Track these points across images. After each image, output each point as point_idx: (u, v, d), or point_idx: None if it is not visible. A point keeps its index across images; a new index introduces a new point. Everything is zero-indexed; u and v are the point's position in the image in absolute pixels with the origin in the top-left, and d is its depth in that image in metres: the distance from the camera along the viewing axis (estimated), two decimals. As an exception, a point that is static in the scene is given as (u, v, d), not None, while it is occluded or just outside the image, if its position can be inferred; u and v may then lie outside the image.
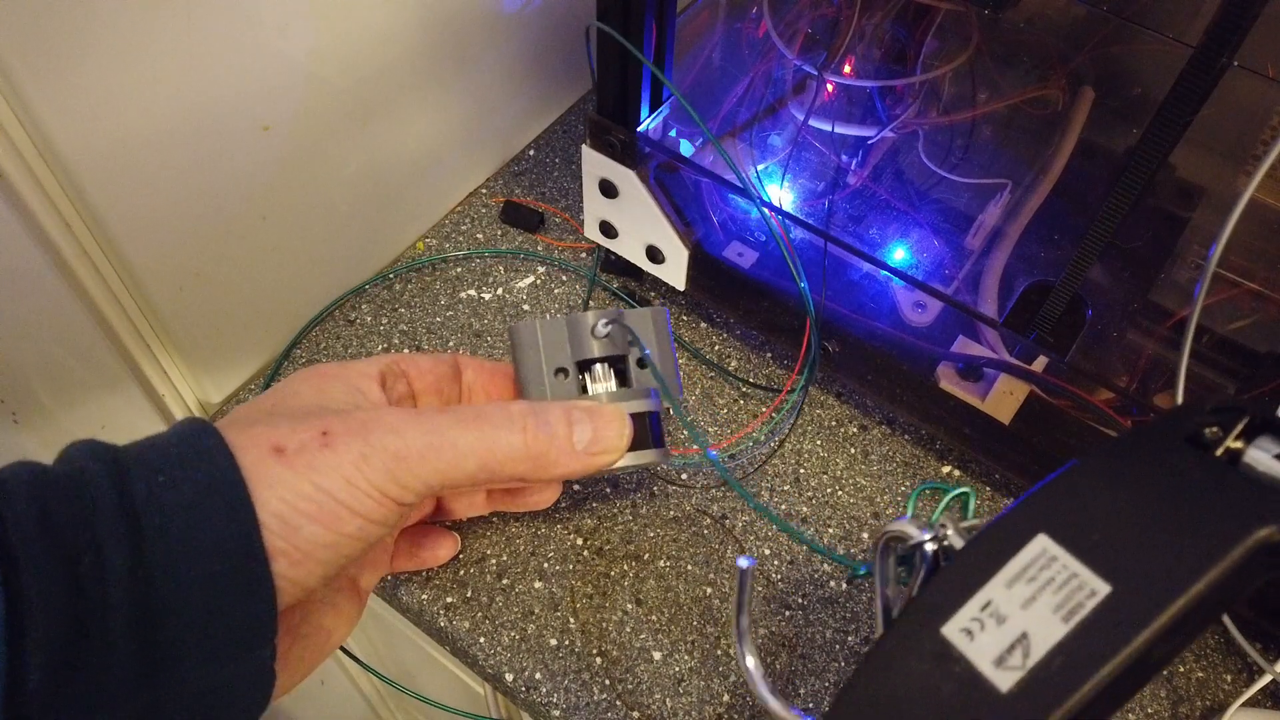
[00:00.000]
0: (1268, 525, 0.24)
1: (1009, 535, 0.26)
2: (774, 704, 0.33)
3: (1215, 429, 0.27)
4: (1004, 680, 0.23)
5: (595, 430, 0.35)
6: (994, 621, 0.24)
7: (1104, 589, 0.24)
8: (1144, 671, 0.24)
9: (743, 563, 0.34)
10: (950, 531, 0.28)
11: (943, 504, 0.31)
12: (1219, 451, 0.26)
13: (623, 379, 0.39)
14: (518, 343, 0.38)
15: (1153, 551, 0.24)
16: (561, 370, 0.38)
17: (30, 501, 0.26)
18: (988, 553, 0.26)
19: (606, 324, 0.38)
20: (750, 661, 0.33)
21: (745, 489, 0.50)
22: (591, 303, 0.58)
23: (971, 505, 0.32)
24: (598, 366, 0.38)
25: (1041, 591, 0.24)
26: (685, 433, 0.52)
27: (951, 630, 0.25)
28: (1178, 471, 0.26)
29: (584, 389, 0.38)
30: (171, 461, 0.29)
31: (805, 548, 0.48)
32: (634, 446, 0.38)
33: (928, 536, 0.29)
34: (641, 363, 0.39)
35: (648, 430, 0.38)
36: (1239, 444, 0.26)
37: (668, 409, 0.40)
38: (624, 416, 0.36)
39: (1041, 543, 0.25)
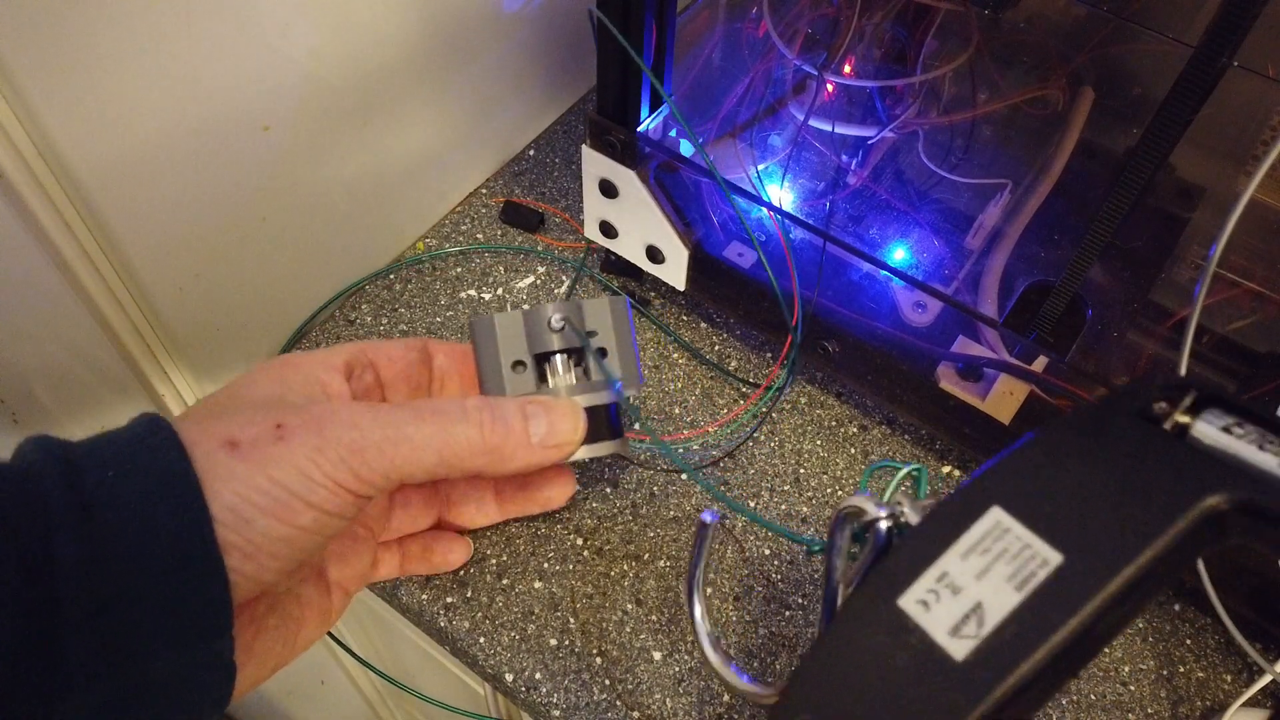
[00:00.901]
0: (1214, 494, 0.24)
1: (964, 508, 0.26)
2: (715, 657, 0.33)
3: (1164, 404, 0.27)
4: (959, 649, 0.24)
5: (550, 424, 0.36)
6: (949, 592, 0.25)
7: (1056, 559, 0.24)
8: (1094, 640, 0.24)
9: (706, 517, 0.34)
10: (906, 508, 0.29)
11: (895, 481, 0.32)
12: (1167, 425, 0.27)
13: (584, 370, 0.39)
14: (476, 337, 0.38)
15: (1103, 521, 0.25)
16: (519, 363, 0.38)
17: None
18: (943, 526, 0.26)
19: (561, 318, 0.38)
20: (698, 612, 0.33)
21: (709, 480, 0.50)
22: (580, 292, 0.58)
23: (924, 484, 0.33)
24: (558, 358, 0.38)
25: (995, 562, 0.25)
26: (687, 420, 0.52)
27: (908, 602, 0.25)
28: (1128, 445, 0.27)
29: (544, 381, 0.38)
30: (123, 456, 0.29)
31: (804, 547, 0.48)
32: (591, 438, 0.38)
33: (884, 514, 0.29)
34: (603, 352, 0.39)
35: (605, 422, 0.38)
36: (1186, 418, 0.27)
37: (629, 397, 0.40)
38: (578, 411, 0.37)
39: (996, 515, 0.26)
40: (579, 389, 0.38)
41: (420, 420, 0.33)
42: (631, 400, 0.40)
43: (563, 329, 0.38)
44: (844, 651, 0.25)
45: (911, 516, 0.29)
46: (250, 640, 0.34)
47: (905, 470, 0.32)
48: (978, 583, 0.25)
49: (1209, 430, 0.26)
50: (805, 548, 0.34)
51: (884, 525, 0.29)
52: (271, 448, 0.30)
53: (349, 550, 0.41)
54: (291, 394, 0.34)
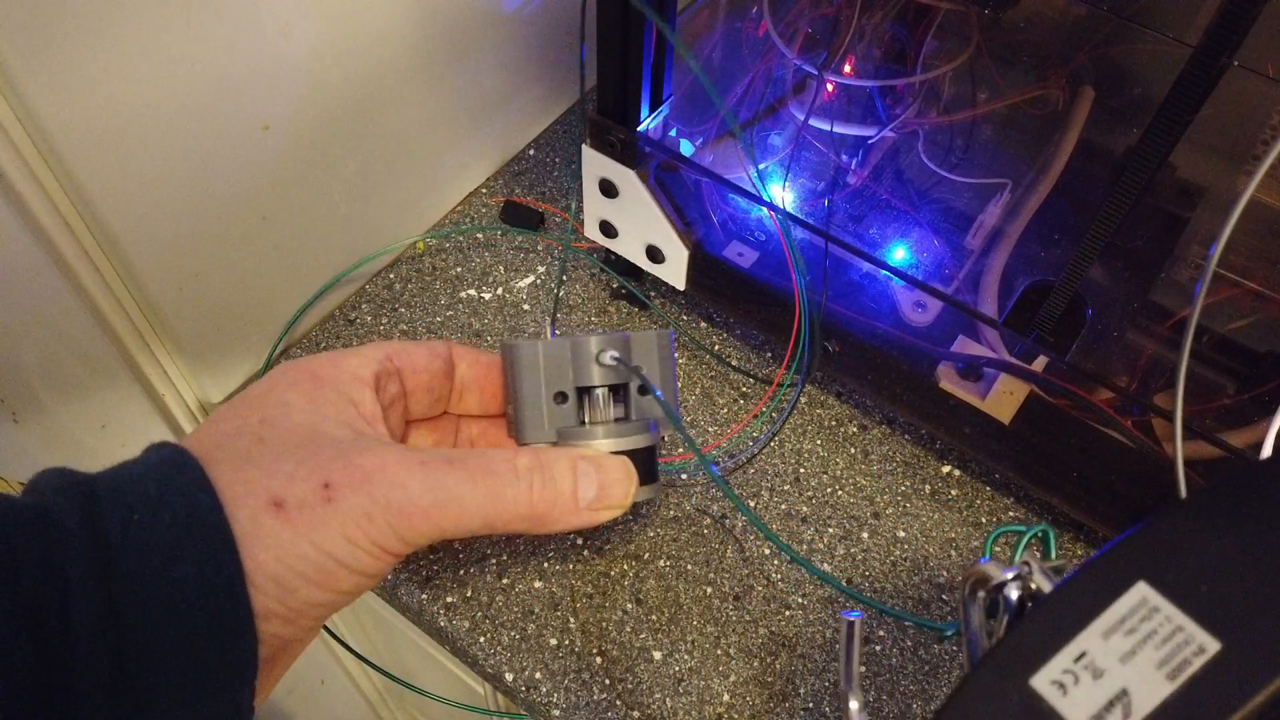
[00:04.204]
0: None
1: (1104, 581, 0.24)
2: None
3: None
4: None
5: (600, 486, 0.34)
6: (1089, 675, 0.23)
7: (1213, 645, 0.22)
8: None
9: (848, 616, 0.32)
10: (1034, 570, 0.27)
11: (1022, 542, 0.31)
12: None
13: (624, 405, 0.38)
14: (516, 363, 0.37)
15: (1266, 606, 0.23)
16: (561, 395, 0.36)
17: None
18: (1081, 599, 0.24)
19: (613, 356, 0.36)
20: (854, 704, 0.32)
21: (764, 524, 0.50)
22: (567, 279, 0.58)
23: (1052, 544, 0.31)
24: (598, 392, 0.37)
25: (1143, 645, 0.23)
26: (687, 419, 0.52)
27: (1041, 682, 0.23)
28: None
29: (581, 414, 0.37)
30: (149, 497, 0.27)
31: (805, 546, 0.48)
32: None
33: (1010, 576, 0.27)
34: (642, 389, 0.38)
35: (645, 466, 0.37)
36: None
37: (663, 437, 0.39)
38: (630, 473, 0.35)
39: (1141, 591, 0.23)
40: (620, 431, 0.36)
41: (472, 482, 0.31)
42: (665, 439, 0.39)
43: (614, 366, 0.36)
44: None
45: (1041, 581, 0.27)
46: (269, 673, 0.33)
47: (1031, 532, 0.30)
48: (1123, 667, 0.22)
49: None
50: (939, 634, 0.32)
51: (1014, 591, 0.27)
52: (319, 510, 0.28)
53: None
54: (326, 421, 0.32)
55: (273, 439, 0.30)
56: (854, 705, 0.32)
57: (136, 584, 0.25)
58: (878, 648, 0.45)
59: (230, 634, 0.27)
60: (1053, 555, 0.30)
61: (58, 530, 0.25)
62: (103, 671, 0.25)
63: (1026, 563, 0.27)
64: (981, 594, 0.28)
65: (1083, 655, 0.23)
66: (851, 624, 0.33)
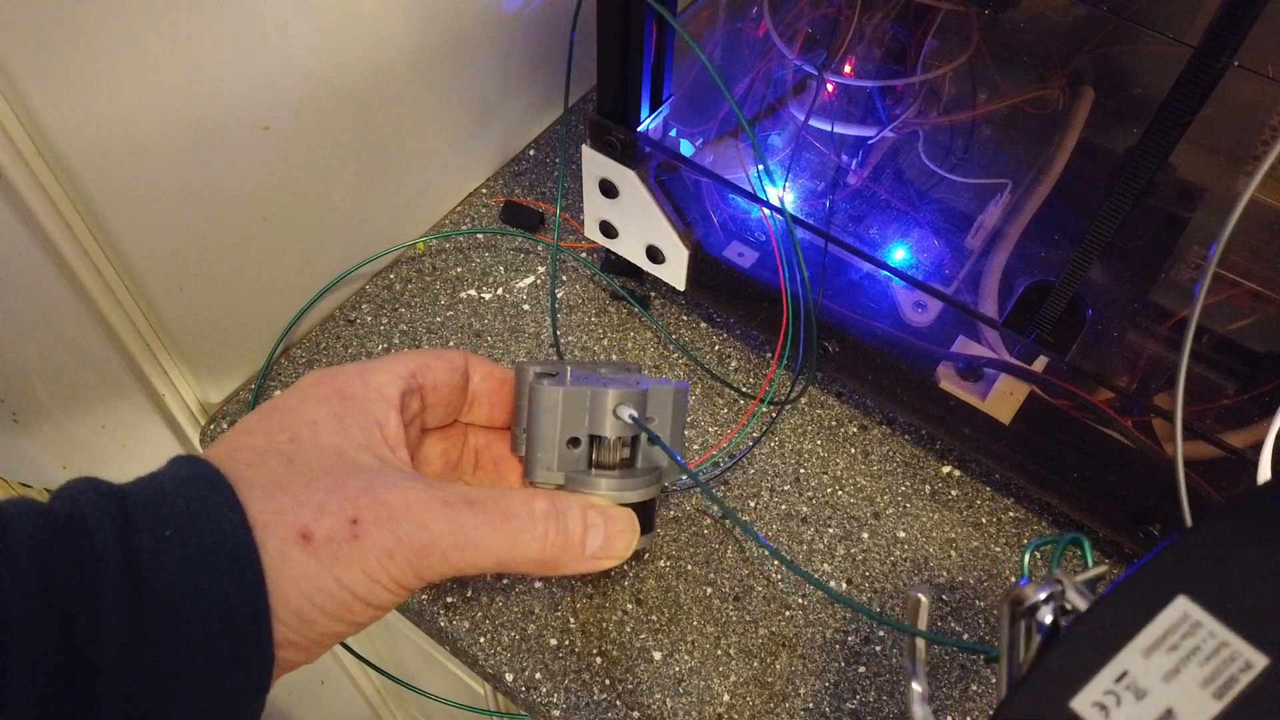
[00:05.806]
0: None
1: (1143, 596, 0.23)
2: None
3: None
4: None
5: (607, 537, 0.35)
6: (1132, 695, 0.22)
7: (1260, 661, 0.21)
8: None
9: (918, 595, 0.32)
10: (1068, 588, 0.26)
11: (1055, 556, 0.30)
12: None
13: (630, 451, 0.39)
14: (535, 404, 0.38)
15: None
16: (574, 440, 0.38)
17: (32, 555, 0.25)
18: (1119, 616, 0.23)
19: (631, 415, 0.37)
20: (918, 686, 0.31)
21: (774, 545, 0.50)
22: (562, 278, 0.58)
23: (1089, 553, 0.31)
24: (608, 442, 0.38)
25: (1186, 662, 0.22)
26: (687, 419, 0.52)
27: (1082, 704, 0.22)
28: None
29: (590, 453, 0.38)
30: (179, 514, 0.27)
31: (805, 547, 0.48)
32: None
33: (1043, 596, 0.26)
34: (650, 440, 0.39)
35: (645, 516, 0.38)
36: None
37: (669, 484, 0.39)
38: (634, 526, 0.36)
39: (1182, 606, 0.22)
40: (626, 485, 0.37)
41: (491, 526, 0.32)
42: (669, 486, 0.40)
43: (629, 423, 0.37)
44: None
45: (1076, 599, 0.26)
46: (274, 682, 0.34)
47: (1065, 541, 0.30)
48: (1166, 686, 0.21)
49: None
50: (982, 656, 0.32)
51: (1047, 615, 0.26)
52: (345, 547, 0.29)
53: None
54: (353, 446, 0.32)
55: (302, 461, 0.31)
56: (916, 689, 0.31)
57: (164, 601, 0.26)
58: (878, 648, 0.45)
59: (250, 658, 0.28)
60: (1089, 563, 0.29)
61: (91, 542, 0.26)
62: (125, 684, 0.25)
63: (1059, 580, 0.27)
64: (1019, 615, 0.28)
65: (1124, 675, 0.22)
66: (918, 601, 0.32)
